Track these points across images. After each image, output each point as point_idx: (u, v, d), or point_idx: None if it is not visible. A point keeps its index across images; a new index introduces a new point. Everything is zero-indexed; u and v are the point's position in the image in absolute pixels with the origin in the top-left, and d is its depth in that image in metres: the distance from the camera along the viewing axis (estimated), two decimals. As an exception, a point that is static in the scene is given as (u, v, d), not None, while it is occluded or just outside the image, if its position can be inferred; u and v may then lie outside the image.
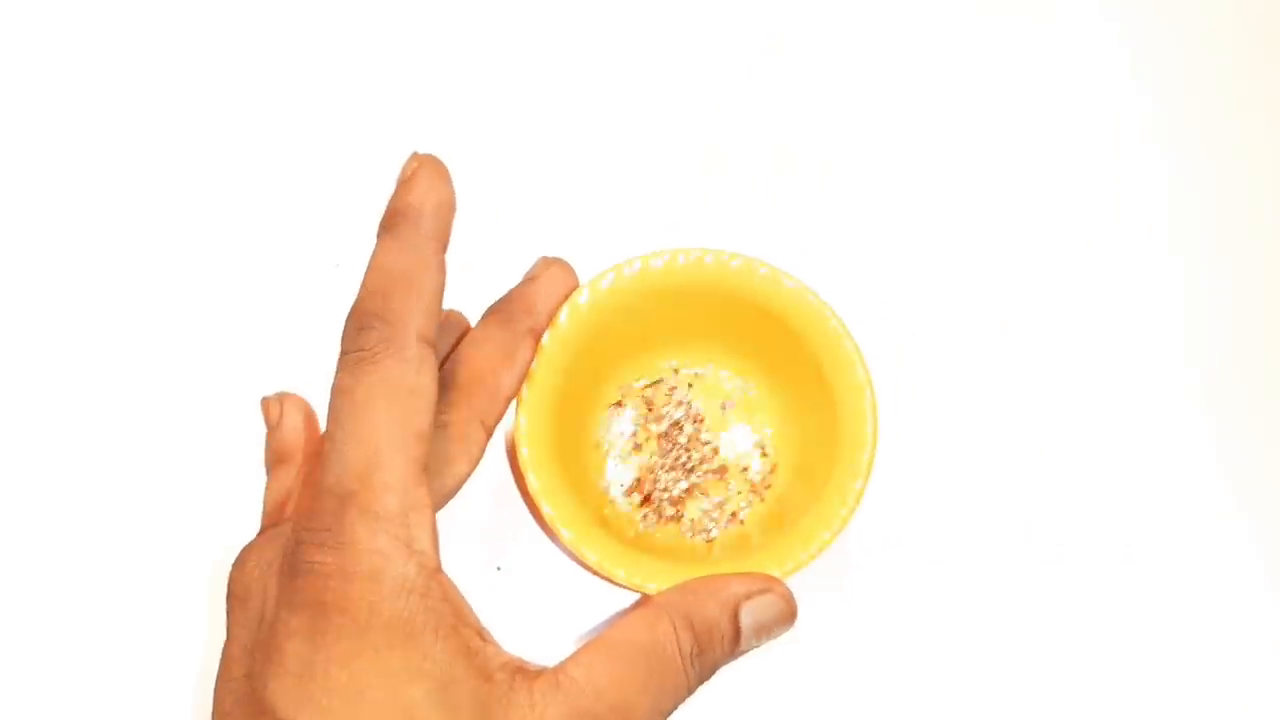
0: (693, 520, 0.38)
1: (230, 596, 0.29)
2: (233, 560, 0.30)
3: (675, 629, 0.30)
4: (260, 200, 0.45)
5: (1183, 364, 0.43)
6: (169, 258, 0.44)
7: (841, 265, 0.44)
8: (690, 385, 0.39)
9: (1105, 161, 0.46)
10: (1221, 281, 0.45)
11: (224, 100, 0.46)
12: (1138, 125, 0.47)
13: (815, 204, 0.46)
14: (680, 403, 0.39)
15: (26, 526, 0.41)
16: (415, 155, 0.30)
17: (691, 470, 0.38)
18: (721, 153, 0.46)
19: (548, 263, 0.36)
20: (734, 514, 0.38)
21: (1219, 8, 0.49)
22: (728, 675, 0.32)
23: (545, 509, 0.34)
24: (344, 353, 0.28)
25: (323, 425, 0.29)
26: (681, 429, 0.39)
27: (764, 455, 0.38)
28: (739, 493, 0.38)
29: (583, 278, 0.36)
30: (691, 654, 0.31)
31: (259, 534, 0.31)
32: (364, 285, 0.29)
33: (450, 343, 0.35)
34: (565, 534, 0.33)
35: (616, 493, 0.38)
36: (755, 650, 0.32)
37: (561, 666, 0.29)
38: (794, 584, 0.33)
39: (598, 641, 0.30)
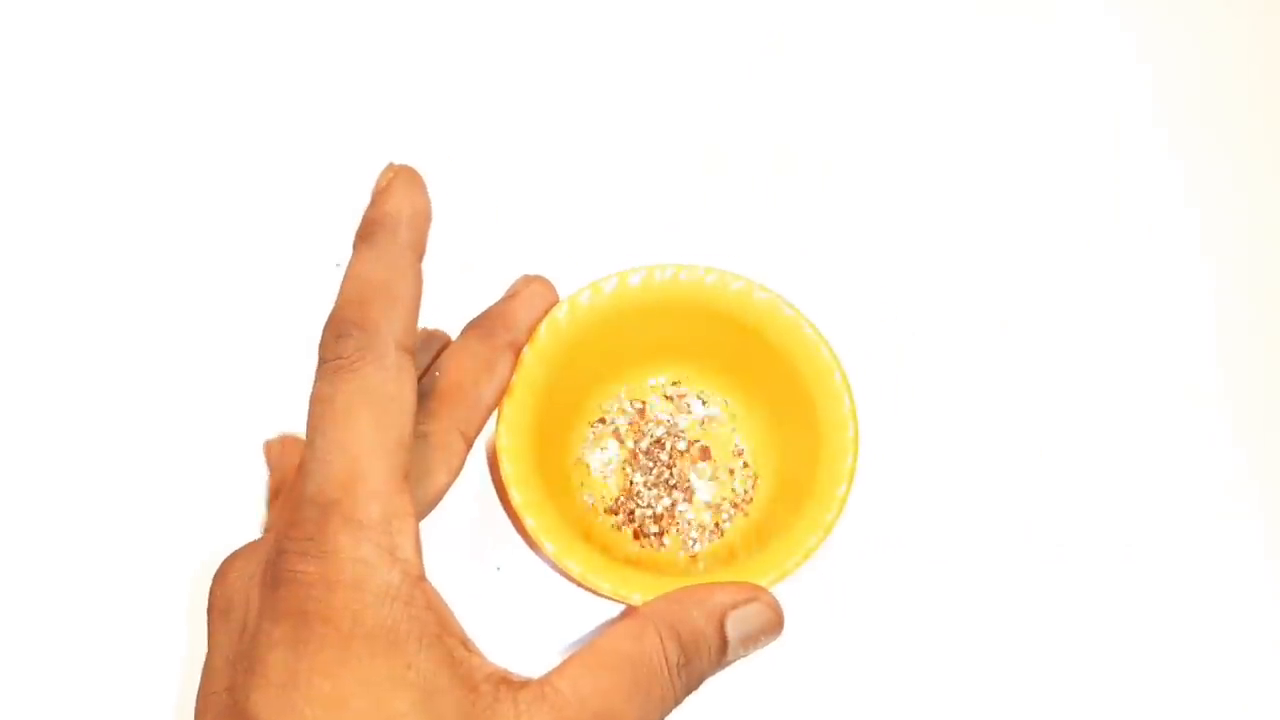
0: (676, 535, 0.38)
1: (211, 609, 0.29)
2: (212, 573, 0.29)
3: (662, 639, 0.30)
4: (260, 201, 0.45)
5: (1182, 364, 0.43)
6: (167, 258, 0.44)
7: (842, 265, 0.44)
8: (671, 401, 0.39)
9: (1105, 161, 0.47)
10: (1221, 281, 0.45)
11: (223, 102, 0.46)
12: (1138, 125, 0.47)
13: (815, 204, 0.46)
14: (661, 419, 0.39)
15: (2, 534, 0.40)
16: (391, 165, 0.30)
17: (673, 486, 0.38)
18: (721, 153, 0.46)
19: (528, 280, 0.37)
20: (717, 526, 0.38)
21: (1218, 8, 0.49)
22: (716, 685, 0.32)
23: (528, 522, 0.33)
24: (322, 361, 0.28)
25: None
26: (663, 445, 0.39)
27: (745, 467, 0.38)
28: (721, 507, 0.38)
29: (571, 286, 0.36)
30: (678, 664, 0.30)
31: (241, 547, 0.31)
32: (341, 294, 0.29)
33: (430, 357, 0.35)
34: (549, 546, 0.33)
35: (598, 508, 0.38)
36: (744, 659, 0.32)
37: (547, 678, 0.29)
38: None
39: (584, 652, 0.30)
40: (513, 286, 0.37)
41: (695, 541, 0.38)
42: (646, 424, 0.39)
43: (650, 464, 0.38)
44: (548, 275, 0.37)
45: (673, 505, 0.38)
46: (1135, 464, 0.42)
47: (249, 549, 0.30)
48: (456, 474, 0.33)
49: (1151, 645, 0.39)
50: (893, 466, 0.40)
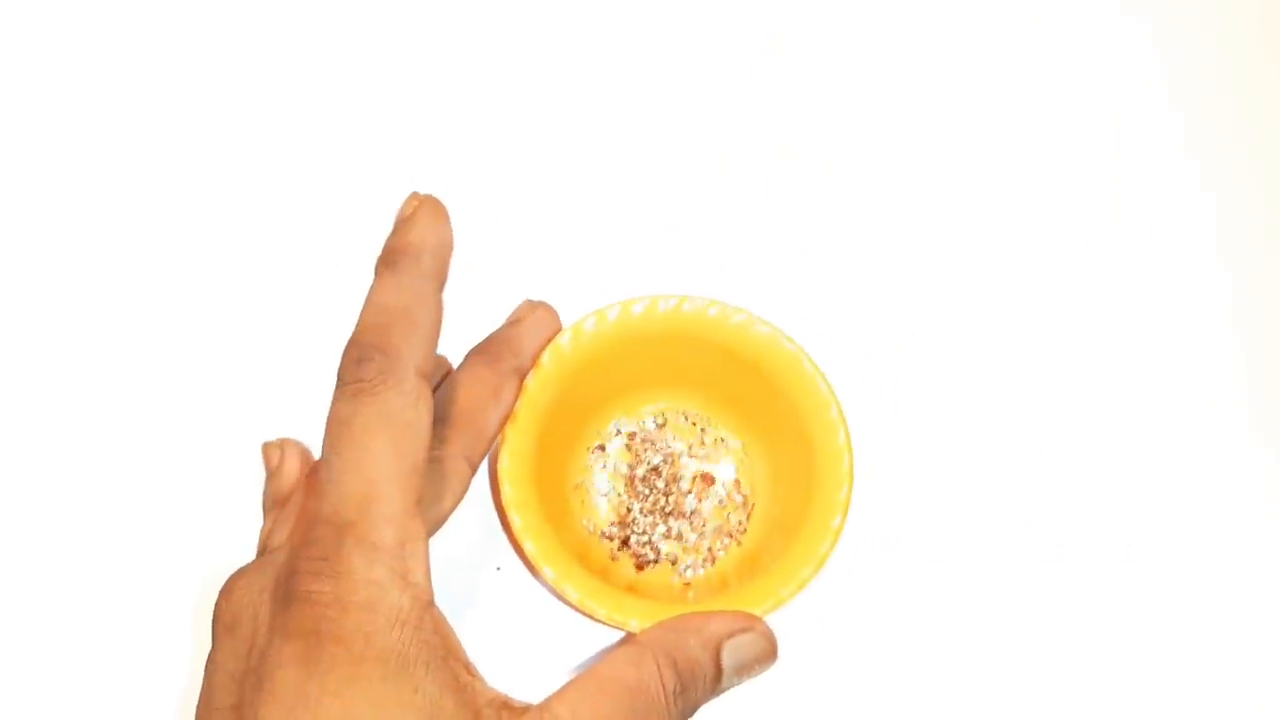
0: (671, 563, 0.38)
1: (217, 624, 0.29)
2: (216, 587, 0.30)
3: (659, 667, 0.31)
4: (259, 201, 0.45)
5: (1182, 364, 0.43)
6: (166, 258, 0.44)
7: (842, 265, 0.44)
8: (669, 428, 0.40)
9: (1105, 161, 0.47)
10: (1221, 281, 0.45)
11: (223, 103, 0.46)
12: (1138, 125, 0.47)
13: (815, 204, 0.46)
14: (659, 447, 0.40)
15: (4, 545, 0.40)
16: (415, 195, 0.31)
17: (670, 514, 0.39)
18: (721, 153, 0.46)
19: (532, 305, 0.37)
20: (710, 554, 0.38)
21: (1218, 7, 0.50)
22: (709, 713, 0.32)
23: (528, 546, 0.34)
24: (342, 383, 0.29)
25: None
26: (660, 473, 0.39)
27: (742, 497, 0.39)
28: (716, 535, 0.39)
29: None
30: (675, 692, 0.31)
31: (249, 563, 0.31)
32: (363, 319, 0.29)
33: (434, 383, 0.35)
34: (548, 572, 0.34)
35: (596, 534, 0.38)
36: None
37: (546, 704, 0.29)
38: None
39: (583, 678, 0.30)
40: (516, 312, 0.37)
41: (689, 569, 0.38)
42: (645, 451, 0.40)
43: (647, 491, 0.39)
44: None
45: (668, 532, 0.39)
46: (1135, 464, 0.42)
47: (257, 565, 0.30)
48: (461, 498, 0.34)
49: (1151, 645, 0.39)
50: (893, 467, 0.41)
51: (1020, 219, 0.46)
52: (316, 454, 0.37)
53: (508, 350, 0.36)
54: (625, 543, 0.38)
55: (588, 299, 0.37)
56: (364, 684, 0.26)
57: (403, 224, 0.30)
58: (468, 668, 0.29)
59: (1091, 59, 0.49)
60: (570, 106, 0.47)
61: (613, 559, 0.38)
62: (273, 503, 0.36)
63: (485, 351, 0.36)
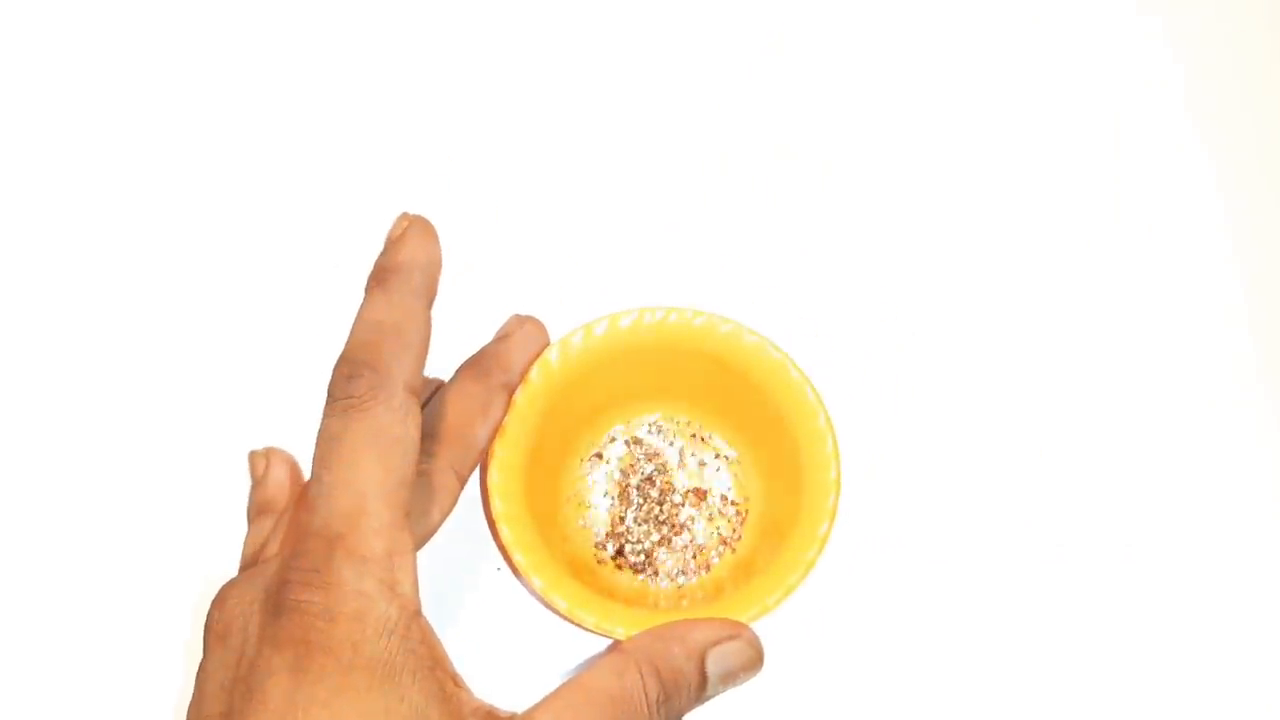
0: (664, 571, 0.39)
1: (208, 633, 0.30)
2: (208, 598, 0.30)
3: (643, 676, 0.31)
4: (259, 201, 0.45)
5: (1182, 364, 0.43)
6: (165, 259, 0.44)
7: (841, 265, 0.44)
8: (662, 438, 0.40)
9: (1105, 161, 0.47)
10: (1221, 281, 0.45)
11: (223, 104, 0.46)
12: (1138, 125, 0.47)
13: (815, 204, 0.46)
14: (651, 457, 0.40)
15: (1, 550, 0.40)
16: (404, 215, 0.31)
17: (663, 523, 0.39)
18: (721, 153, 0.46)
19: (520, 320, 0.38)
20: (706, 564, 0.39)
21: (1218, 7, 0.49)
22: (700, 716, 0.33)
23: (517, 558, 0.35)
24: (333, 399, 0.29)
25: (306, 474, 0.29)
26: (653, 483, 0.40)
27: (734, 505, 0.40)
28: (710, 543, 0.39)
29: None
30: (658, 701, 0.31)
31: (241, 574, 0.32)
32: (353, 336, 0.30)
33: (424, 397, 0.36)
34: (536, 582, 0.34)
35: (589, 543, 0.39)
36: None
37: (530, 713, 0.30)
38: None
39: (566, 688, 0.30)
40: (505, 327, 0.38)
41: (683, 577, 0.39)
42: (637, 461, 0.40)
43: (640, 500, 0.40)
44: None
45: (661, 541, 0.39)
46: (1135, 464, 0.42)
47: (248, 576, 0.30)
48: (449, 512, 0.35)
49: (1151, 645, 0.39)
50: (893, 466, 0.41)
51: (1020, 219, 0.46)
52: (303, 463, 0.37)
53: (496, 366, 0.36)
54: (620, 552, 0.39)
55: (588, 299, 0.37)
56: (352, 693, 0.27)
57: (393, 243, 0.31)
58: (454, 678, 0.29)
59: (1090, 59, 0.49)
60: (570, 106, 0.47)
61: (605, 567, 0.39)
62: (257, 511, 0.36)
63: (474, 366, 0.37)
